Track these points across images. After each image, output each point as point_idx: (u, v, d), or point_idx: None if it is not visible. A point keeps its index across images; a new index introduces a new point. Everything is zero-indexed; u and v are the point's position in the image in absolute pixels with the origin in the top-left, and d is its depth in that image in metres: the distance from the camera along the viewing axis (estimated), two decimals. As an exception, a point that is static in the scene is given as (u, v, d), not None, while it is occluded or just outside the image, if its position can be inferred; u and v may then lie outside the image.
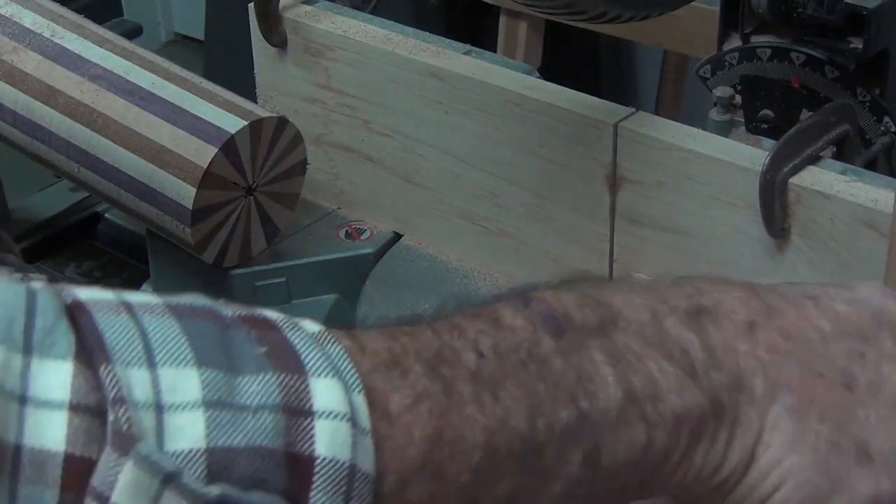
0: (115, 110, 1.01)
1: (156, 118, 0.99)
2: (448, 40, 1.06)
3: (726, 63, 1.04)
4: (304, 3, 1.12)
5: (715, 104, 1.01)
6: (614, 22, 0.83)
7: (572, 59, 1.95)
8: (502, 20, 1.78)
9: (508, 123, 0.98)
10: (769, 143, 0.92)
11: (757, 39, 1.03)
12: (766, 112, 0.99)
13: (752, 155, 0.87)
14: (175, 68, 1.05)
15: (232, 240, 1.02)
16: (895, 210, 0.72)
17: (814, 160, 0.86)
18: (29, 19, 1.08)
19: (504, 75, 0.99)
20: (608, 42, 2.21)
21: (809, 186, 0.84)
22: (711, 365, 0.51)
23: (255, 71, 1.14)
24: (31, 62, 1.05)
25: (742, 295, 0.54)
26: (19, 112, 1.05)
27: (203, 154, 0.97)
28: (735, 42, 1.04)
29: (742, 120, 1.01)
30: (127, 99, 1.00)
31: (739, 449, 0.52)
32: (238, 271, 1.04)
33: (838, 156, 0.88)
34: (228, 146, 0.97)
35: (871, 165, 0.97)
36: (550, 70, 1.16)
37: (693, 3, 0.92)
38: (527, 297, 0.51)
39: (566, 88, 0.97)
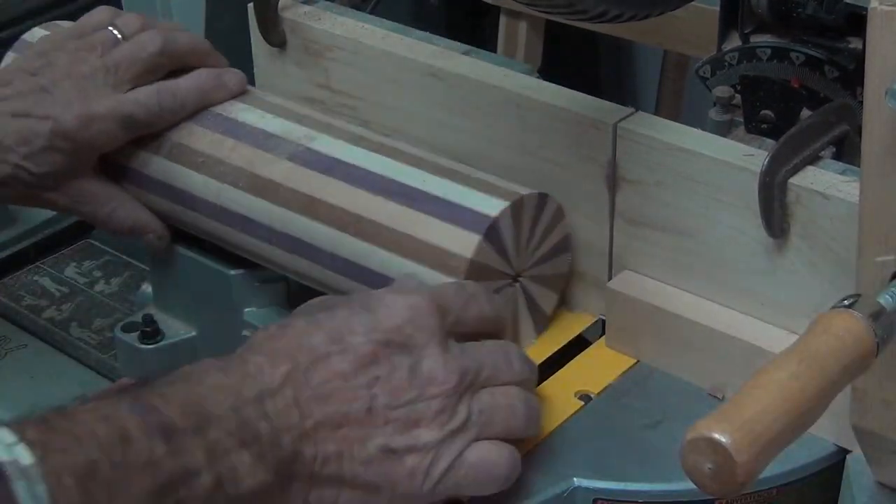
0: (383, 213, 0.92)
1: (419, 214, 0.91)
2: (448, 40, 1.06)
3: (726, 63, 1.04)
4: (303, 2, 1.12)
5: (715, 104, 1.01)
6: (614, 22, 0.83)
7: (572, 59, 1.95)
8: (502, 20, 1.78)
9: (508, 123, 0.98)
10: (769, 143, 0.92)
11: (756, 39, 1.03)
12: (766, 112, 0.99)
13: (752, 155, 0.87)
14: (425, 155, 0.98)
15: None
16: (861, 201, 0.72)
17: (813, 160, 0.86)
18: (276, 125, 1.01)
19: (504, 75, 0.99)
20: (608, 42, 2.21)
21: (809, 186, 0.84)
22: (274, 444, 0.71)
23: (254, 71, 1.14)
24: (282, 171, 0.97)
25: (285, 370, 0.74)
26: (276, 227, 0.97)
27: (466, 244, 0.88)
28: (735, 42, 1.04)
29: (742, 120, 1.00)
30: (395, 200, 0.92)
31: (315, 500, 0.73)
32: (237, 271, 1.04)
33: (838, 156, 0.88)
34: (491, 232, 0.89)
35: (870, 165, 0.97)
36: (550, 70, 1.16)
37: (693, 2, 0.91)
38: (144, 405, 0.67)
39: (566, 88, 0.97)
